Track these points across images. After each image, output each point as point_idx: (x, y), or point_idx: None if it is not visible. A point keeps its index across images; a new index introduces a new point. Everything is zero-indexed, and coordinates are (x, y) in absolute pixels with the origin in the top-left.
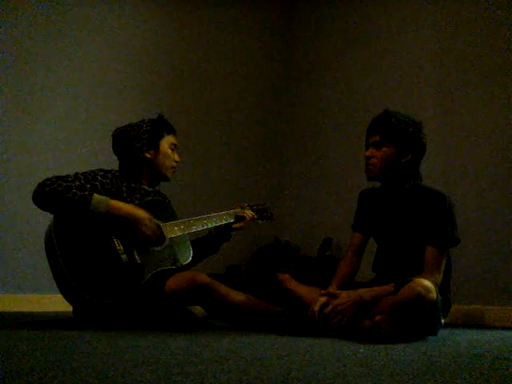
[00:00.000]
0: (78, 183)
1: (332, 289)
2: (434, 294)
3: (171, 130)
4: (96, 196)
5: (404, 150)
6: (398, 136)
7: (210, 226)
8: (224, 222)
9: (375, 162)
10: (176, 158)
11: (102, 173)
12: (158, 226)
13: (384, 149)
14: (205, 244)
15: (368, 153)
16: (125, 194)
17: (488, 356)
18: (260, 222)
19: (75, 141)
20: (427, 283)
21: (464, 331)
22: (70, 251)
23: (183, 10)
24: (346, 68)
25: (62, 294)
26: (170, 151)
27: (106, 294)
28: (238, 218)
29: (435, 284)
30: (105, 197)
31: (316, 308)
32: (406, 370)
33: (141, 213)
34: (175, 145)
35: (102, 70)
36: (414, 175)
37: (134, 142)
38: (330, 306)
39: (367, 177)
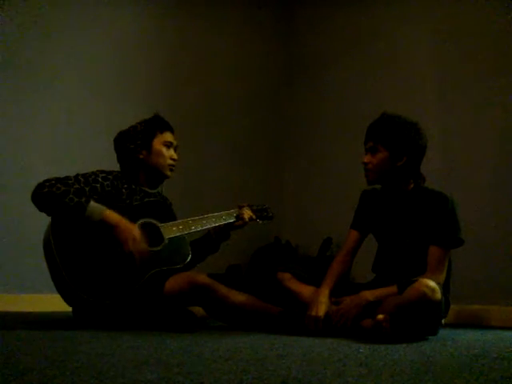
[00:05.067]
0: (77, 186)
1: (326, 288)
2: (438, 295)
3: (165, 128)
4: (92, 204)
5: (398, 154)
6: (391, 140)
7: (208, 226)
8: (223, 222)
9: (371, 167)
10: (173, 155)
11: (103, 174)
12: (147, 249)
13: (379, 154)
14: (204, 244)
15: (364, 159)
16: (124, 196)
17: (488, 356)
18: (260, 222)
19: (75, 141)
20: (432, 284)
21: (464, 331)
22: (68, 252)
23: (183, 10)
24: (346, 68)
25: (60, 294)
26: (163, 149)
27: (104, 294)
28: (237, 218)
29: (439, 284)
30: (101, 206)
31: (321, 313)
32: (405, 370)
33: (130, 231)
34: (171, 142)
35: (103, 70)
36: (414, 177)
37: (128, 143)
38: (334, 310)
39: (367, 182)
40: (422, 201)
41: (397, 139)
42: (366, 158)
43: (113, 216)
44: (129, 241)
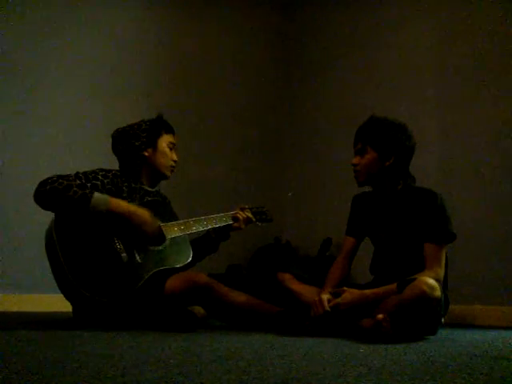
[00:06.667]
0: (78, 182)
1: (326, 293)
2: (438, 292)
3: (170, 130)
4: (96, 194)
5: (386, 154)
6: (378, 141)
7: (209, 226)
8: (224, 224)
9: (360, 169)
10: (174, 157)
11: (102, 172)
12: (158, 226)
13: (367, 155)
14: (203, 243)
15: (353, 161)
16: (125, 194)
17: (488, 356)
18: (259, 224)
19: (75, 141)
20: (431, 281)
21: (464, 331)
22: (71, 249)
23: (184, 10)
24: (346, 68)
25: (62, 292)
26: (167, 150)
27: (106, 292)
28: (235, 219)
29: (438, 280)
30: (105, 195)
31: (327, 307)
32: (405, 370)
33: (141, 211)
34: (174, 144)
35: (102, 69)
36: (403, 177)
37: (132, 140)
38: (332, 303)
39: (357, 183)
40: (412, 199)
41: (384, 139)
42: (355, 160)
43: (120, 203)
44: (145, 218)
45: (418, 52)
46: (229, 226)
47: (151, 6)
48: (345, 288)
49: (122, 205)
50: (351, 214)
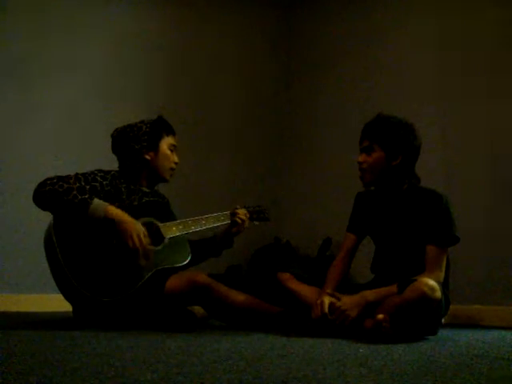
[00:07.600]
0: (78, 185)
1: (330, 290)
2: (438, 293)
3: (171, 131)
4: (96, 200)
5: (393, 153)
6: (386, 140)
7: (208, 226)
8: (221, 223)
9: (366, 167)
10: (175, 159)
11: (101, 174)
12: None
13: (374, 154)
14: (208, 246)
15: (359, 159)
16: (124, 196)
17: (488, 356)
18: (256, 223)
19: (75, 140)
20: (432, 283)
21: (464, 331)
22: (70, 250)
23: (184, 10)
24: (346, 68)
25: (61, 292)
26: (169, 152)
27: (106, 292)
28: (233, 221)
29: (439, 282)
30: (104, 202)
31: (326, 310)
32: (406, 369)
33: (134, 226)
34: (175, 146)
35: (103, 69)
36: (408, 177)
37: (133, 143)
38: (334, 307)
39: (363, 184)
40: (416, 200)
41: (392, 138)
42: (361, 158)
43: (116, 212)
44: (133, 236)
45: (418, 54)
46: (230, 232)
47: (151, 5)
48: (343, 295)
49: (119, 214)
50: (354, 210)
